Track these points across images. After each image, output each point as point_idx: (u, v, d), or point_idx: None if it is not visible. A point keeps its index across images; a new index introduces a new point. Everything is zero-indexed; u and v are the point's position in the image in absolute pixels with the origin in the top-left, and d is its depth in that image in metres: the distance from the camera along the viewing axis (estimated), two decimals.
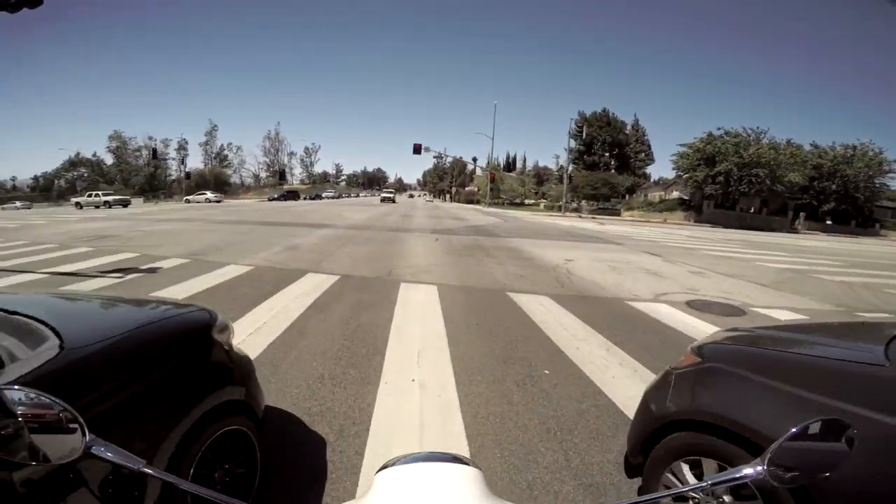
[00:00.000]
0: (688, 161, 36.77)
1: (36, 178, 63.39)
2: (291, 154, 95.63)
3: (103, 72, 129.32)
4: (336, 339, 4.12)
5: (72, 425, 0.65)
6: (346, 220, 19.78)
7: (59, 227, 16.10)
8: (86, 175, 61.85)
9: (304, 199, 58.56)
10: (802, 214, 36.87)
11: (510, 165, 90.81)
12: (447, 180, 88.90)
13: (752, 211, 37.33)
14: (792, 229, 35.33)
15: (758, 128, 35.92)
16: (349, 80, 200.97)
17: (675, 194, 45.72)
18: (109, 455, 0.65)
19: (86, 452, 0.65)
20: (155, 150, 56.54)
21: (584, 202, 47.21)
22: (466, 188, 77.48)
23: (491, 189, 51.52)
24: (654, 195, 51.55)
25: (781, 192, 34.30)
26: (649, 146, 59.30)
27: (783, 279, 8.87)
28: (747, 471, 0.65)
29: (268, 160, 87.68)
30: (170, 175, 67.14)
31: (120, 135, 64.49)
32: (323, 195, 69.00)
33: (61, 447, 0.66)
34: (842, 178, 35.37)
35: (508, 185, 64.36)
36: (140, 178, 61.73)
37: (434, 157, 61.84)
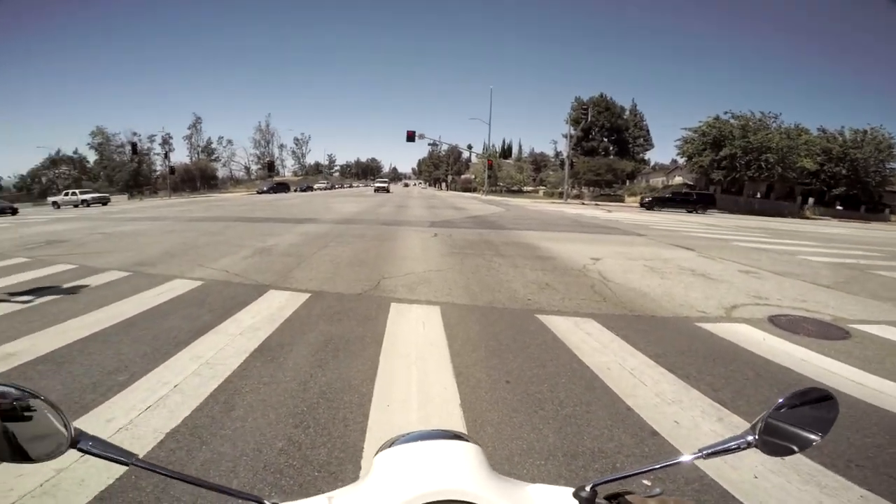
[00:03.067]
0: (692, 146, 35.40)
1: (23, 178, 60.64)
2: (282, 146, 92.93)
3: (84, 66, 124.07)
4: (280, 426, 2.50)
5: (55, 420, 0.58)
6: (334, 214, 18.05)
7: (14, 232, 14.36)
8: (67, 173, 59.23)
9: (296, 190, 56.40)
10: (811, 199, 35.51)
11: (506, 152, 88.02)
12: (443, 168, 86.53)
13: (758, 196, 36.01)
14: (801, 214, 33.97)
15: (769, 112, 34.44)
16: (338, 69, 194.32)
17: (678, 179, 44.30)
18: (97, 449, 0.59)
19: (72, 447, 0.59)
20: (134, 145, 53.54)
21: (585, 188, 45.55)
22: (463, 176, 75.37)
23: (489, 177, 49.47)
24: (657, 181, 50.04)
25: (792, 179, 33.07)
26: (648, 131, 57.44)
27: (844, 278, 7.35)
28: (739, 441, 0.64)
29: (258, 153, 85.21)
30: (155, 171, 64.49)
31: (103, 131, 61.46)
32: (314, 187, 66.72)
33: (47, 444, 0.59)
34: (852, 163, 34.03)
35: (506, 172, 62.31)
36: (124, 174, 59.09)
37: (429, 144, 59.50)
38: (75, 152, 62.41)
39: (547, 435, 2.41)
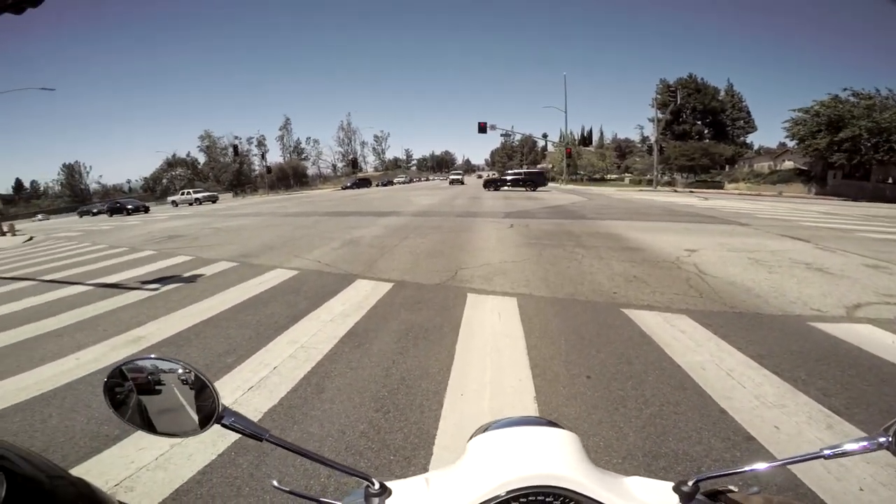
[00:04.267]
0: (805, 127, 31.16)
1: (146, 180, 70.48)
2: (363, 143, 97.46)
3: (189, 75, 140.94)
4: (363, 409, 2.65)
5: (209, 395, 0.62)
6: (413, 206, 18.60)
7: (144, 228, 16.76)
8: (182, 175, 67.50)
9: (377, 185, 58.78)
10: None
11: (586, 139, 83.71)
12: (517, 159, 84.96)
13: (890, 181, 30.62)
14: None
15: None
16: (412, 65, 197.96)
17: (789, 164, 39.10)
18: (239, 425, 0.62)
19: (216, 423, 0.62)
20: (236, 147, 59.39)
21: (677, 175, 42.06)
22: (539, 165, 73.41)
23: (568, 165, 47.57)
24: (762, 165, 44.57)
25: None
26: (748, 113, 51.43)
27: None
28: (869, 441, 0.56)
29: (342, 150, 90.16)
30: (254, 170, 71.06)
31: (209, 134, 69.14)
32: (394, 181, 69.09)
33: (198, 418, 0.62)
34: None
35: (586, 159, 59.44)
36: (229, 174, 65.96)
37: (501, 135, 58.95)
38: (188, 155, 70.86)
39: (627, 433, 2.30)
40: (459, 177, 55.16)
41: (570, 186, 40.35)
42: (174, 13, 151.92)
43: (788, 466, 0.58)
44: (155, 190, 63.17)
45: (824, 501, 1.76)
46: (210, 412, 0.62)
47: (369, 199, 27.38)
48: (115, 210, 31.52)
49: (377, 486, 0.61)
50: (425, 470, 2.04)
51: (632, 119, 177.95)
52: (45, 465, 0.81)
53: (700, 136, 48.92)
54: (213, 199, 38.87)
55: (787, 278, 5.52)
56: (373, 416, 2.56)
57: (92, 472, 2.16)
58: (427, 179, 76.80)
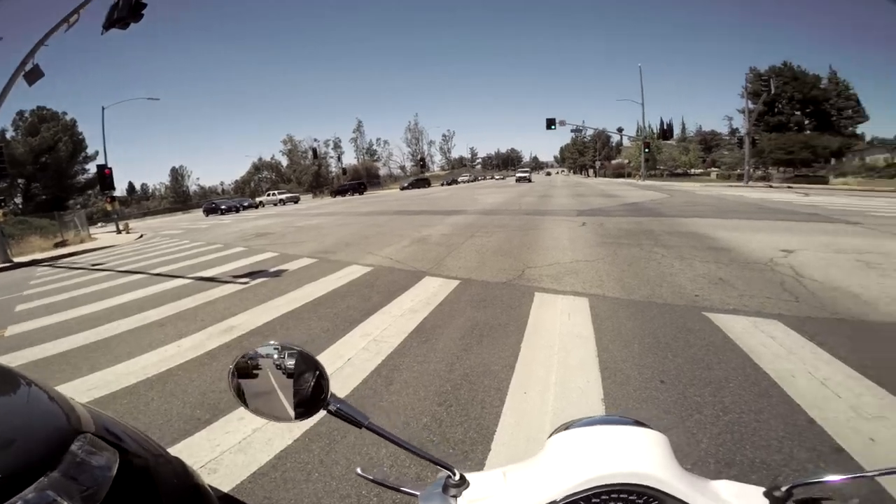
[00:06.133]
0: None
1: (237, 183, 77.60)
2: (431, 143, 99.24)
3: (274, 81, 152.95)
4: (427, 403, 2.73)
5: (322, 382, 0.66)
6: (478, 205, 18.61)
7: (237, 226, 18.43)
8: (267, 177, 73.32)
9: (441, 185, 58.87)
10: None
11: (666, 133, 78.19)
12: (589, 154, 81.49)
13: None
14: None
15: None
16: (475, 61, 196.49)
17: None
18: (344, 411, 0.65)
19: (324, 409, 0.65)
20: (315, 150, 63.31)
21: (773, 169, 38.05)
22: (613, 161, 69.80)
23: (646, 160, 44.79)
24: (876, 158, 38.71)
25: None
26: (857, 101, 44.97)
27: None
28: None
29: (410, 150, 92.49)
30: (331, 172, 75.21)
31: (291, 138, 74.45)
32: (459, 179, 68.63)
33: (311, 404, 0.66)
34: None
35: (667, 153, 55.69)
36: (308, 176, 70.48)
37: (571, 130, 56.76)
38: (272, 158, 76.66)
39: (700, 440, 2.16)
40: (526, 174, 53.96)
41: (649, 182, 38.04)
42: (253, 23, 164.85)
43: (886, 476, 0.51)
44: (245, 192, 69.20)
45: None
46: (320, 398, 0.66)
47: (436, 197, 27.86)
48: (211, 210, 34.53)
49: (457, 476, 0.61)
50: (481, 466, 2.06)
51: (718, 110, 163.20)
52: (148, 444, 0.93)
53: (800, 128, 43.80)
54: (296, 200, 41.64)
55: None
56: (435, 410, 2.63)
57: (183, 453, 2.43)
58: (494, 178, 76.06)
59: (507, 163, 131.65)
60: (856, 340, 3.29)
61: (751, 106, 37.70)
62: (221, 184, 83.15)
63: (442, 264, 6.76)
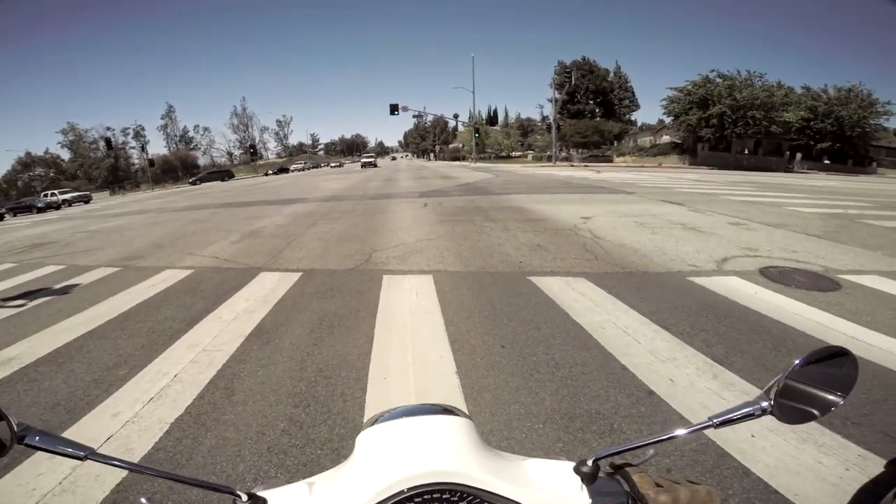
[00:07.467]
0: (679, 105, 35.60)
1: None
2: (264, 129, 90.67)
3: (48, 62, 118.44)
4: (281, 407, 2.52)
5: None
6: (321, 192, 17.82)
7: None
8: (43, 174, 57.61)
9: (267, 174, 53.09)
10: (799, 154, 35.58)
11: (493, 119, 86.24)
12: (430, 139, 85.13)
13: (746, 152, 36.07)
14: (788, 169, 34.02)
15: (755, 71, 34.50)
16: (315, 45, 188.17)
17: (666, 139, 44.09)
18: (46, 445, 0.56)
19: (19, 444, 0.56)
20: (108, 141, 51.93)
21: (573, 151, 45.19)
22: (451, 145, 74.16)
23: (476, 144, 48.70)
24: (644, 140, 49.68)
25: (777, 133, 33.48)
26: (633, 92, 56.73)
27: (833, 227, 7.33)
28: (753, 407, 0.59)
29: (238, 137, 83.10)
30: (133, 164, 62.82)
31: (74, 127, 59.49)
32: (290, 168, 61.67)
33: None
34: (836, 119, 34.10)
35: (493, 138, 61.32)
36: (102, 170, 57.61)
37: (413, 116, 58.69)
38: (46, 152, 60.55)
39: (543, 398, 2.45)
40: (372, 159, 53.67)
41: (479, 164, 41.47)
42: None
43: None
44: (10, 194, 53.12)
45: (724, 449, 1.94)
46: (3, 434, 0.56)
47: (273, 186, 25.71)
48: None
49: (245, 498, 0.57)
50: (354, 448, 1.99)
51: (535, 99, 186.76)
52: None
53: (592, 115, 52.67)
54: (86, 200, 33.81)
55: (667, 238, 6.24)
56: (292, 413, 2.45)
57: None
58: (339, 165, 72.82)
59: (352, 148, 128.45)
60: (641, 290, 4.12)
61: (557, 96, 43.88)
62: None
63: (280, 257, 6.27)
